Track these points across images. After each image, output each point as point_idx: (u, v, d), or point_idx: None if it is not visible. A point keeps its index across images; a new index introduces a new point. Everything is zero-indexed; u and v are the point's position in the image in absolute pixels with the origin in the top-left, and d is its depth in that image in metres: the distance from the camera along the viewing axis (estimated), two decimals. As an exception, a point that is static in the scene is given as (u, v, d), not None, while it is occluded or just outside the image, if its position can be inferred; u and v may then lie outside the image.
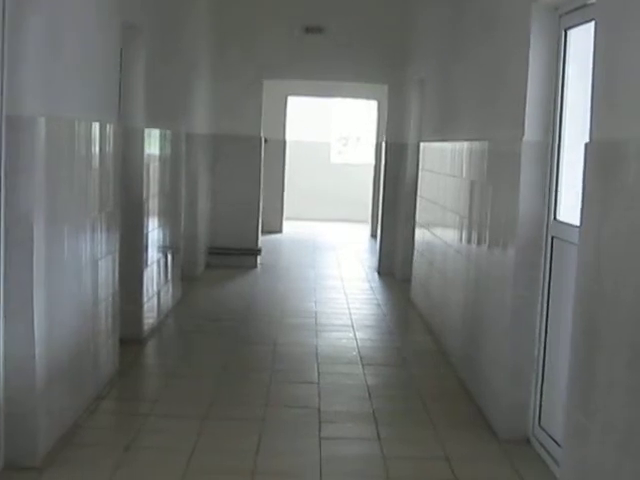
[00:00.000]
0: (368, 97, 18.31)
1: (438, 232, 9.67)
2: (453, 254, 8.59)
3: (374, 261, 14.83)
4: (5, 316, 5.06)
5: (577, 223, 5.24)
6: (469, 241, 7.75)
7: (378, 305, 11.45)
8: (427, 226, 10.58)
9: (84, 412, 6.20)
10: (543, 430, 5.87)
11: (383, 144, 14.41)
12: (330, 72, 14.09)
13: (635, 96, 3.91)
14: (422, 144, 11.37)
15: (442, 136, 9.55)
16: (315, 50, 13.59)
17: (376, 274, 13.99)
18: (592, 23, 5.27)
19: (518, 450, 5.94)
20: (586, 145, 4.49)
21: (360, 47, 13.49)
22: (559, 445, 5.39)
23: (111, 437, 5.96)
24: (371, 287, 12.86)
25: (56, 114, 5.41)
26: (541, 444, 5.85)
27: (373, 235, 17.73)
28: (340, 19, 13.50)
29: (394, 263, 13.66)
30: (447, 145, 9.07)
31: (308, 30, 13.59)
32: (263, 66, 13.74)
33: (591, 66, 5.35)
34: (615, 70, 4.25)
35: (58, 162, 5.52)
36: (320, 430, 6.24)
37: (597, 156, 4.39)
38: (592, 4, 5.10)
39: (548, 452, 5.69)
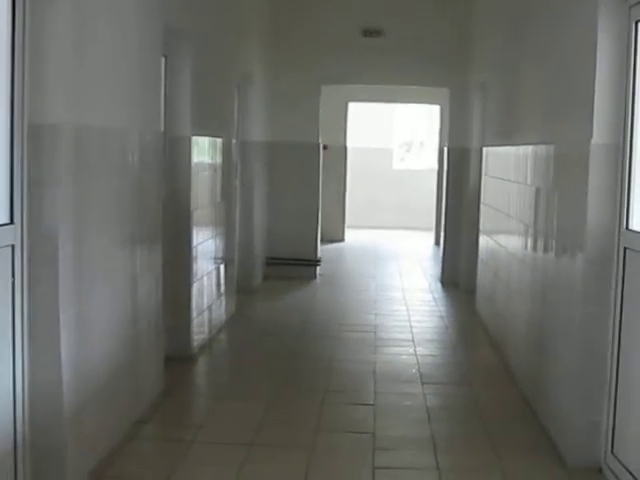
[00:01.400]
0: (430, 101, 17.98)
1: (502, 240, 9.23)
2: (517, 264, 8.17)
3: (437, 270, 14.39)
4: (30, 339, 4.70)
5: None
6: (535, 250, 7.31)
7: (441, 317, 10.97)
8: (491, 234, 10.20)
9: (122, 439, 5.82)
10: (616, 458, 5.38)
11: (445, 149, 14.14)
12: (390, 76, 13.85)
13: None
14: (485, 149, 11.00)
15: (505, 140, 9.10)
16: (374, 54, 13.23)
17: (439, 284, 13.56)
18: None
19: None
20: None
21: (420, 50, 13.16)
22: (635, 477, 4.94)
23: (149, 468, 5.52)
24: (434, 298, 12.39)
25: (84, 122, 5.03)
26: (614, 474, 5.36)
27: (437, 243, 17.37)
28: (399, 21, 13.23)
29: (458, 273, 13.23)
30: (511, 149, 8.62)
31: (366, 33, 13.32)
32: (320, 71, 13.44)
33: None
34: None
35: (88, 173, 5.14)
36: (374, 458, 5.80)
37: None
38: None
39: (622, 482, 5.22)
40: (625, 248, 5.32)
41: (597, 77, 5.39)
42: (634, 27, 5.28)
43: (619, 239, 5.40)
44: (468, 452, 6.01)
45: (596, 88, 5.40)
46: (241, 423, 6.42)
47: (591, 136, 5.43)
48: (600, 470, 5.57)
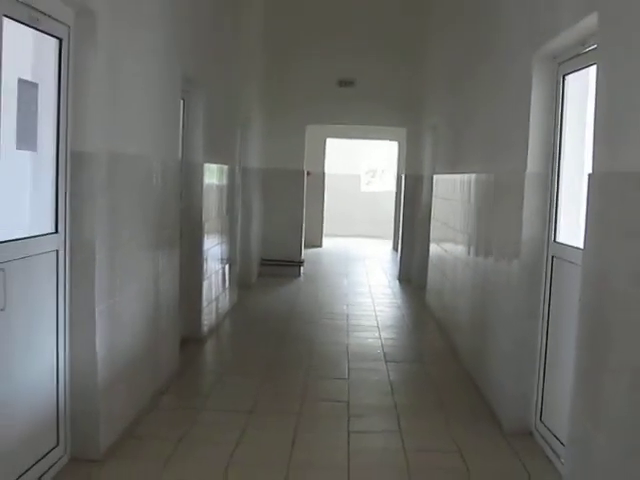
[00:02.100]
0: (391, 138, 17.85)
1: (449, 248, 9.04)
2: (461, 266, 8.00)
3: (395, 270, 14.17)
4: (70, 326, 4.53)
5: (575, 244, 4.71)
6: (476, 255, 7.11)
7: (398, 308, 10.77)
8: (439, 242, 10.00)
9: (145, 406, 5.59)
10: (544, 425, 5.20)
11: (403, 176, 14.10)
12: (360, 118, 13.80)
13: (634, 132, 3.30)
14: (435, 176, 10.80)
15: (452, 169, 8.94)
16: (347, 100, 13.21)
17: (397, 281, 13.35)
18: (588, 69, 4.73)
19: (522, 443, 5.26)
20: (589, 176, 3.85)
21: (384, 98, 13.13)
22: (559, 440, 4.78)
23: (167, 430, 5.27)
24: (393, 292, 12.18)
25: (116, 150, 4.81)
26: (543, 437, 5.20)
27: (394, 249, 17.24)
28: (368, 75, 13.16)
29: (411, 272, 13.08)
30: (456, 177, 8.45)
31: (341, 84, 13.32)
32: (305, 113, 13.45)
33: (590, 106, 4.81)
34: (615, 108, 3.62)
35: (120, 192, 4.93)
36: (349, 423, 5.59)
37: (596, 186, 3.77)
38: (587, 52, 4.51)
39: (550, 445, 5.05)
40: (553, 256, 5.16)
41: (531, 120, 5.22)
42: (561, 80, 5.11)
43: (548, 249, 5.23)
44: (423, 418, 5.80)
45: (530, 129, 5.24)
46: (241, 394, 6.20)
47: (526, 167, 5.26)
48: (531, 433, 5.41)
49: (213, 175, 8.43)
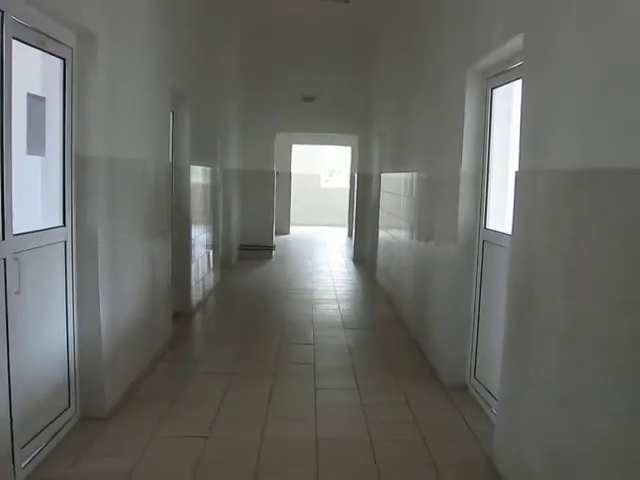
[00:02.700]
0: (345, 144, 17.67)
1: (394, 233, 8.92)
2: (405, 248, 7.89)
3: (350, 252, 14.01)
4: (78, 305, 4.34)
5: (501, 230, 4.61)
6: (418, 239, 6.99)
7: (353, 284, 10.61)
8: (387, 229, 9.85)
9: (144, 371, 5.42)
10: (477, 380, 5.12)
11: (355, 175, 13.98)
12: (320, 127, 13.67)
13: (553, 135, 3.19)
14: (382, 174, 10.66)
15: (396, 169, 8.80)
16: (310, 112, 13.11)
17: (352, 262, 13.17)
18: (511, 84, 4.64)
19: (459, 395, 5.17)
20: (516, 173, 3.73)
21: (339, 110, 13.05)
22: (490, 393, 4.70)
23: (162, 391, 5.07)
24: (348, 271, 12.01)
25: (115, 154, 4.60)
26: (476, 390, 5.12)
27: (349, 235, 17.06)
28: (326, 92, 13.05)
29: (364, 254, 12.93)
30: (401, 175, 8.31)
31: (305, 99, 13.15)
32: (275, 123, 13.29)
33: (513, 115, 4.73)
34: (537, 116, 3.51)
35: (119, 190, 4.73)
36: (315, 381, 5.45)
37: (523, 182, 3.66)
38: (513, 69, 4.39)
39: (481, 396, 4.98)
40: (484, 240, 5.05)
41: (464, 127, 5.10)
42: (490, 92, 5.00)
43: (479, 234, 5.12)
44: (377, 377, 5.66)
45: (464, 134, 5.11)
46: (225, 359, 6.02)
47: (460, 166, 5.14)
48: (465, 387, 5.31)
49: (198, 175, 8.22)
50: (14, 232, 3.42)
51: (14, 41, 3.35)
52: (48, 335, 3.99)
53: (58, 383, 4.14)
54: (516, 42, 3.96)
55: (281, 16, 10.75)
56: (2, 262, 3.31)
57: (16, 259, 3.43)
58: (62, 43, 3.95)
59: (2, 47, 3.22)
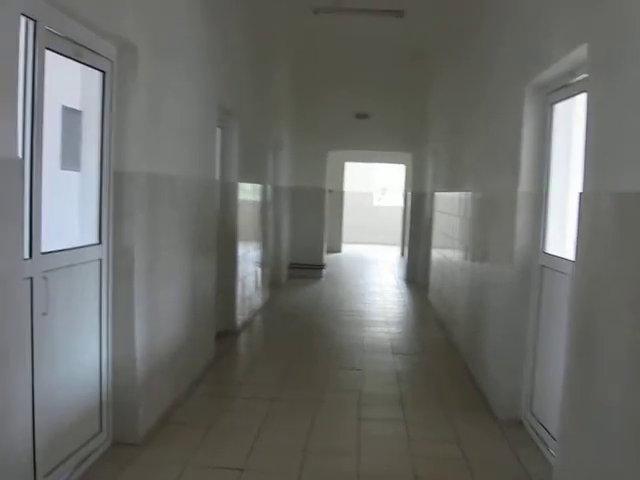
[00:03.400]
0: (398, 162, 17.38)
1: (447, 254, 8.58)
2: (459, 270, 7.55)
3: (402, 272, 13.70)
4: (113, 326, 4.17)
5: (562, 255, 4.28)
6: (472, 261, 6.66)
7: (405, 305, 10.29)
8: (440, 249, 9.51)
9: (182, 394, 5.21)
10: (533, 415, 4.77)
11: (409, 193, 13.70)
12: (373, 145, 13.40)
13: (622, 154, 2.88)
14: (436, 193, 10.34)
15: (450, 188, 8.50)
16: (363, 130, 12.87)
17: (403, 282, 12.85)
18: (573, 99, 4.33)
19: (514, 432, 4.79)
20: (579, 194, 3.42)
21: (393, 128, 12.78)
22: (547, 430, 4.36)
23: (200, 417, 4.86)
24: (400, 292, 11.70)
25: (155, 171, 4.44)
26: (532, 427, 4.75)
27: (402, 254, 16.68)
28: (380, 109, 12.78)
29: (416, 274, 12.61)
30: (455, 194, 8.01)
31: (358, 116, 12.92)
32: (327, 141, 13.10)
33: (575, 132, 4.42)
34: (604, 133, 3.20)
35: (159, 207, 4.55)
36: (359, 411, 5.16)
37: (587, 204, 3.34)
38: (575, 82, 4.09)
39: (537, 434, 4.61)
40: (542, 265, 4.71)
41: (523, 144, 4.78)
42: (550, 108, 4.68)
43: (537, 259, 4.79)
44: (425, 407, 5.33)
45: (522, 152, 4.79)
46: (268, 382, 5.79)
47: (518, 185, 4.82)
48: (521, 422, 4.95)
49: (247, 192, 8.06)
50: (43, 250, 3.26)
51: (49, 52, 3.21)
52: (79, 357, 3.82)
53: (89, 407, 3.96)
54: (579, 53, 3.66)
55: (333, 32, 10.58)
56: (29, 282, 3.15)
57: (44, 278, 3.26)
58: (101, 55, 3.81)
59: (35, 57, 3.08)
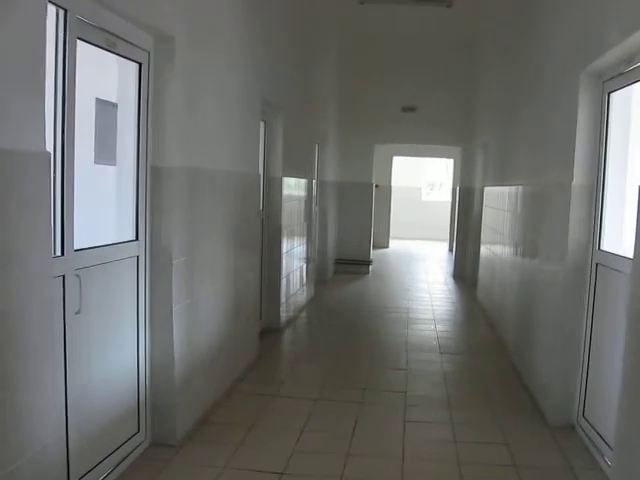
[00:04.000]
0: (447, 156, 17.15)
1: (497, 250, 8.30)
2: (509, 267, 7.28)
3: (450, 268, 13.43)
4: (151, 325, 4.07)
5: (619, 252, 4.04)
6: (523, 258, 6.39)
7: (452, 303, 10.03)
8: (489, 246, 9.22)
9: (224, 393, 5.11)
10: (586, 420, 4.52)
11: (457, 188, 13.36)
12: (421, 138, 13.17)
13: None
14: (485, 188, 10.05)
15: (500, 182, 8.22)
16: (410, 124, 12.58)
17: (451, 279, 12.57)
18: (631, 87, 4.08)
19: (565, 437, 4.56)
20: (639, 187, 3.17)
21: (441, 121, 12.49)
22: (601, 436, 4.13)
23: (240, 417, 4.73)
24: (448, 288, 11.43)
25: (195, 165, 4.32)
26: (585, 433, 4.51)
27: (450, 250, 16.45)
28: (427, 102, 12.51)
29: (465, 271, 12.33)
30: (505, 189, 7.74)
31: (405, 109, 12.68)
32: (374, 135, 12.87)
33: (633, 122, 4.16)
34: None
35: (199, 202, 4.44)
36: (405, 413, 4.98)
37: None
38: (633, 69, 3.85)
39: (591, 440, 4.37)
40: (597, 263, 4.46)
41: (577, 135, 4.53)
42: (606, 97, 4.42)
43: (592, 256, 4.53)
44: (473, 410, 5.12)
45: (576, 143, 4.54)
46: (311, 382, 5.64)
47: (572, 179, 4.57)
48: (573, 427, 4.71)
49: (292, 187, 7.93)
50: (77, 247, 3.16)
51: (81, 43, 3.10)
52: (116, 356, 3.72)
53: (127, 407, 3.87)
54: (638, 37, 3.42)
55: (379, 24, 10.37)
56: (61, 280, 3.06)
57: (77, 276, 3.17)
58: (137, 46, 3.70)
59: (65, 47, 2.98)
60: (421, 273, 13.36)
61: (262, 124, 6.67)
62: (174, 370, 4.11)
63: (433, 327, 8.06)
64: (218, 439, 4.32)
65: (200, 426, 4.48)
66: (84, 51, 3.17)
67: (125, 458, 3.85)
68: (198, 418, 4.52)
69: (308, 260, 9.33)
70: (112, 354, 3.68)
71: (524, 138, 6.67)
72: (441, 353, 6.78)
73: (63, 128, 2.98)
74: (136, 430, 4.00)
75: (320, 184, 10.78)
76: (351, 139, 12.74)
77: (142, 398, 4.04)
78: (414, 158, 19.66)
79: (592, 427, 4.39)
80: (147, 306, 4.00)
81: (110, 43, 3.41)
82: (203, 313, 4.64)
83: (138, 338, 3.96)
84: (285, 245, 7.64)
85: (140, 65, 3.79)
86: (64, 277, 3.07)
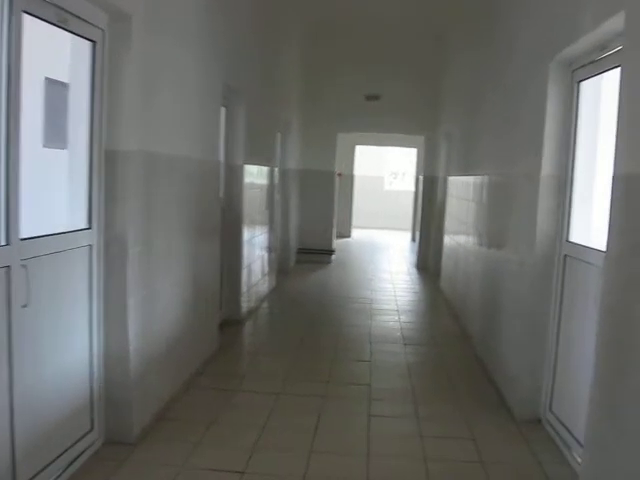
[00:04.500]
0: (410, 145, 17.07)
1: (462, 240, 8.24)
2: (472, 257, 7.22)
3: (413, 258, 13.38)
4: (105, 317, 3.87)
5: (588, 244, 3.97)
6: (488, 248, 6.31)
7: (416, 293, 9.96)
8: (453, 235, 9.17)
9: (182, 387, 4.93)
10: (553, 414, 4.46)
11: (420, 177, 13.39)
12: (384, 127, 12.95)
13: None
14: (449, 178, 9.99)
15: (465, 172, 8.16)
16: (374, 112, 12.44)
17: (414, 269, 12.51)
18: (602, 75, 4.00)
19: (532, 431, 4.49)
20: (613, 178, 3.08)
21: (405, 110, 12.33)
22: (568, 430, 4.07)
23: (199, 413, 4.57)
24: (411, 278, 11.35)
25: (151, 150, 4.12)
26: (552, 426, 4.45)
27: (413, 239, 16.42)
28: (391, 90, 12.37)
29: (428, 260, 12.30)
30: (470, 178, 7.67)
31: (368, 98, 12.52)
32: (337, 123, 12.71)
33: (602, 112, 4.09)
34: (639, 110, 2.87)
35: (155, 189, 4.24)
36: (369, 407, 4.86)
37: (621, 188, 3.00)
38: (604, 57, 3.77)
39: (558, 434, 4.31)
40: (565, 255, 4.38)
41: (546, 124, 4.43)
42: (576, 86, 4.34)
43: (561, 247, 4.46)
44: (438, 403, 5.03)
45: (545, 133, 4.44)
46: (272, 375, 5.49)
47: (540, 169, 4.48)
48: (539, 421, 4.64)
49: (253, 175, 7.74)
50: (23, 236, 2.96)
51: (27, 17, 2.89)
52: (67, 351, 3.53)
53: (79, 404, 3.69)
54: (613, 24, 3.32)
55: (345, 10, 10.21)
56: (6, 271, 2.86)
57: (24, 267, 2.97)
58: (90, 23, 3.49)
59: (10, 22, 2.77)
60: (384, 263, 13.28)
61: (223, 110, 6.48)
62: (129, 363, 3.93)
63: (397, 318, 7.96)
64: (176, 436, 4.15)
65: (157, 422, 4.30)
66: (33, 27, 2.96)
67: (77, 458, 3.67)
68: (155, 414, 4.34)
69: (270, 249, 9.17)
70: (63, 349, 3.49)
71: (490, 128, 6.59)
72: (405, 344, 6.69)
73: (8, 108, 2.78)
74: (89, 428, 3.81)
75: (282, 172, 10.60)
76: (314, 127, 12.57)
77: (96, 394, 3.85)
78: (377, 147, 19.59)
79: (559, 421, 4.33)
80: (101, 298, 3.81)
81: (61, 19, 3.20)
82: (160, 304, 4.45)
83: (91, 331, 3.78)
84: (246, 234, 7.46)
85: (94, 44, 3.58)
86: (9, 268, 2.87)
